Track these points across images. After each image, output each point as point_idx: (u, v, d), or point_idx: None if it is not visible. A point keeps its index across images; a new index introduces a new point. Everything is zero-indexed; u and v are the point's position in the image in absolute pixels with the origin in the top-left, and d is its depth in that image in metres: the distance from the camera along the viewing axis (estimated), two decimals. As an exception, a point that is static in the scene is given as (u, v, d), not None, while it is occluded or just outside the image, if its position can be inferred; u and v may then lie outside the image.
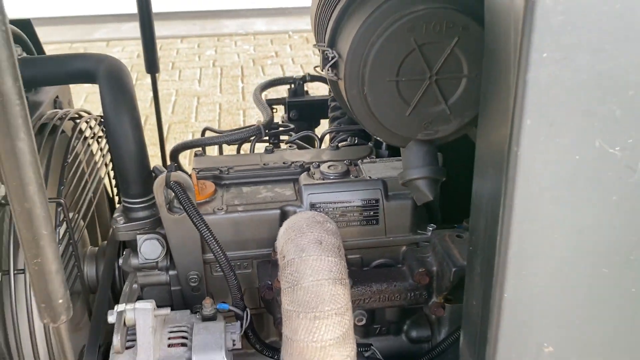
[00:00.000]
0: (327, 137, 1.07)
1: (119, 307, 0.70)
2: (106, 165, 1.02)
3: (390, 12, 0.60)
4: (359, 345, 0.86)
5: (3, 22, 0.42)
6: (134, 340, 0.70)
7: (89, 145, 0.95)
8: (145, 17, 1.17)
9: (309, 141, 1.05)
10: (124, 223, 0.81)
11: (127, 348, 0.71)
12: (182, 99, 3.54)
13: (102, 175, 1.03)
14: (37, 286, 0.51)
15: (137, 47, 4.31)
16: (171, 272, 0.82)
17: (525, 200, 0.49)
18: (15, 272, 0.72)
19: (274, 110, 1.08)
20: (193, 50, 4.31)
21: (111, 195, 1.11)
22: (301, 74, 1.20)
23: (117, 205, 0.88)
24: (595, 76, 0.45)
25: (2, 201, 0.73)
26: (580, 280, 0.53)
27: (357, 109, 0.65)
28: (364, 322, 0.82)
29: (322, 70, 0.68)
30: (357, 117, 0.66)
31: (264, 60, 4.12)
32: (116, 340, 0.68)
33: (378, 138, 0.73)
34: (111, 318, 0.70)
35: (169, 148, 1.24)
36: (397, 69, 0.62)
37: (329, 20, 0.71)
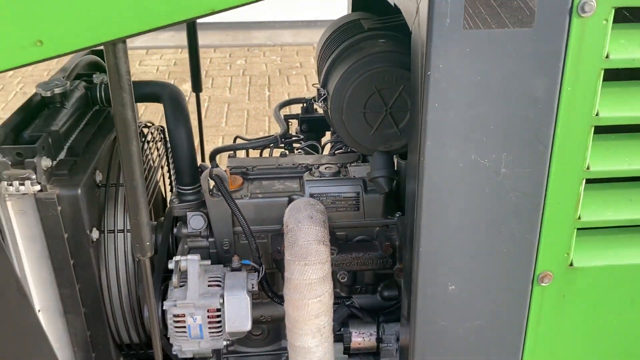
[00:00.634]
0: (328, 146, 1.40)
1: (176, 258, 1.03)
2: (162, 167, 1.36)
3: (360, 68, 0.93)
4: (343, 298, 1.19)
5: (128, 81, 0.75)
6: (185, 281, 1.03)
7: (155, 147, 1.29)
8: (193, 46, 1.50)
9: (314, 149, 1.37)
10: (178, 203, 1.15)
11: (180, 286, 1.05)
12: (213, 105, 3.90)
13: (160, 174, 1.36)
14: (134, 233, 0.84)
15: (174, 55, 4.69)
16: (210, 239, 1.15)
17: (430, 191, 0.80)
18: (108, 230, 1.06)
19: (290, 124, 1.41)
20: (225, 59, 4.67)
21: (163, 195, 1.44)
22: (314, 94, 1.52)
23: (172, 191, 1.22)
24: (468, 117, 0.77)
25: (100, 184, 1.07)
26: (468, 242, 0.84)
27: (339, 130, 0.97)
28: (345, 279, 1.14)
29: (317, 102, 1.01)
30: (339, 134, 0.98)
31: (290, 71, 4.46)
32: (174, 279, 1.02)
33: (353, 149, 1.05)
34: (171, 265, 1.04)
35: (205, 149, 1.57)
36: (364, 104, 0.94)
37: (323, 68, 1.03)
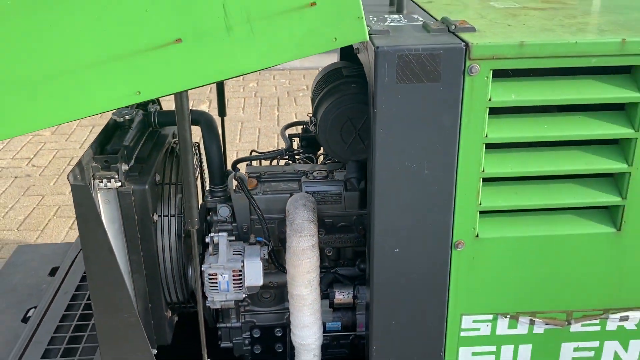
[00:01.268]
0: (321, 158, 1.84)
1: (211, 235, 1.47)
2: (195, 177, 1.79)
3: (338, 104, 1.38)
4: (329, 267, 1.61)
5: (188, 114, 1.19)
6: (217, 251, 1.47)
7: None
8: (220, 82, 1.95)
9: (310, 159, 1.81)
10: (210, 198, 1.59)
11: (213, 254, 1.48)
12: (228, 124, 4.36)
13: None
14: (187, 212, 1.27)
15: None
16: (233, 224, 1.58)
17: (379, 187, 1.24)
18: (164, 215, 1.50)
19: (293, 141, 1.85)
20: (238, 82, 5.15)
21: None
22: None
23: (204, 190, 1.66)
24: (402, 138, 1.20)
25: (158, 183, 1.51)
26: (406, 221, 1.27)
27: (324, 146, 1.42)
28: (331, 254, 1.57)
29: (310, 126, 1.46)
30: (325, 149, 1.42)
31: (297, 93, 4.93)
32: (210, 249, 1.46)
33: (334, 159, 1.50)
34: (207, 240, 1.48)
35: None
36: (340, 128, 1.39)
37: (315, 102, 1.48)
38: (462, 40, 1.16)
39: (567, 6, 1.44)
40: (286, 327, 1.65)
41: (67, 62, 1.04)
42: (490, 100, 1.19)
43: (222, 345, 1.69)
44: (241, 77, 5.27)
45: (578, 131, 1.24)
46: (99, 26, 1.02)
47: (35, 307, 1.83)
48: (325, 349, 1.67)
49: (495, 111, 1.21)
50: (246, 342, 1.69)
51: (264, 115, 4.52)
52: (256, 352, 1.70)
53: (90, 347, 1.64)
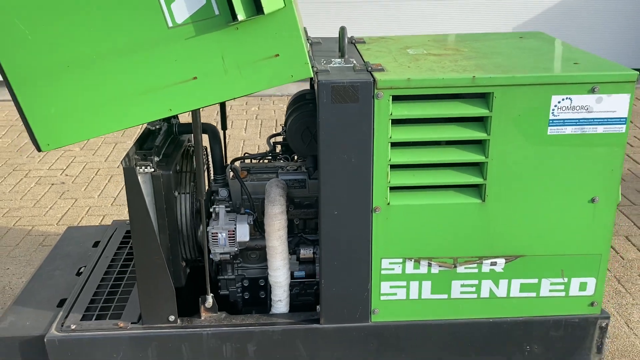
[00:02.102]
0: (295, 157, 2.51)
1: (214, 206, 2.14)
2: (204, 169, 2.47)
3: (299, 117, 2.06)
4: (297, 233, 2.27)
5: (200, 125, 1.87)
6: (218, 217, 2.14)
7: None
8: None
9: (287, 159, 2.48)
10: (214, 183, 2.26)
11: (215, 220, 2.15)
12: (233, 141, 5.05)
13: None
14: (198, 189, 1.95)
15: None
16: (229, 202, 2.25)
17: (323, 176, 1.90)
18: (181, 192, 2.18)
19: (275, 146, 2.52)
20: (242, 107, 5.86)
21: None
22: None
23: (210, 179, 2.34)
24: (336, 142, 1.87)
25: (178, 171, 2.18)
26: (342, 194, 1.93)
27: (291, 145, 2.10)
28: (299, 223, 2.23)
29: (282, 134, 2.14)
30: (292, 148, 2.10)
31: (293, 115, 5.62)
32: (213, 216, 2.12)
33: (297, 155, 2.17)
34: (211, 210, 2.14)
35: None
36: (301, 134, 2.07)
37: (287, 114, 2.16)
38: (373, 77, 1.84)
39: (457, 53, 2.12)
40: (267, 278, 2.30)
41: (127, 90, 1.73)
42: (391, 114, 1.86)
43: (221, 293, 2.35)
44: (245, 102, 5.99)
45: (453, 135, 1.91)
46: (147, 70, 1.71)
47: (84, 266, 2.50)
48: (296, 297, 2.32)
49: (395, 122, 1.88)
50: (238, 290, 2.34)
51: (263, 134, 5.21)
52: (245, 297, 2.35)
53: (125, 291, 2.30)
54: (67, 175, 4.51)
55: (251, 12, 1.64)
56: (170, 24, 1.66)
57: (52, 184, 4.37)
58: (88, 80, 1.70)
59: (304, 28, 2.19)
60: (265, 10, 1.62)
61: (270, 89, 1.77)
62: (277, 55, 1.72)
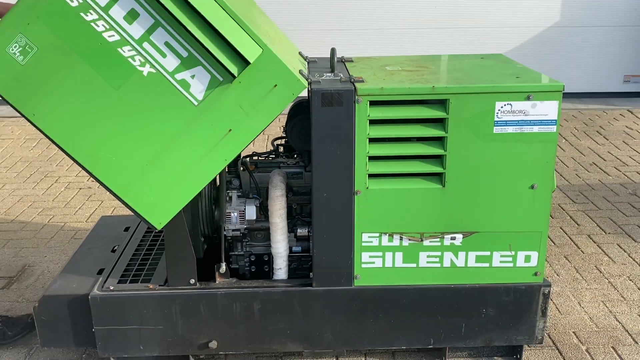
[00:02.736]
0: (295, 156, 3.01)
1: (229, 192, 2.64)
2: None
3: (298, 120, 2.56)
4: (295, 216, 2.75)
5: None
6: (231, 200, 2.63)
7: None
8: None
9: (288, 157, 2.98)
10: (228, 174, 2.76)
11: (228, 202, 2.64)
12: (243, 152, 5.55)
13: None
14: (220, 178, 2.45)
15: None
16: (240, 189, 2.74)
17: (316, 168, 2.40)
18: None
19: (279, 147, 3.03)
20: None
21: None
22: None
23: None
24: (328, 138, 2.37)
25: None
26: (330, 180, 2.42)
27: (290, 142, 2.60)
28: (297, 207, 2.72)
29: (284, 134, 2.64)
30: (291, 144, 2.60)
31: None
32: (228, 199, 2.62)
33: (296, 150, 2.67)
34: (227, 195, 2.64)
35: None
36: (298, 132, 2.57)
37: (287, 118, 2.67)
38: (354, 86, 2.34)
39: (425, 69, 2.63)
40: (270, 254, 2.78)
41: (191, 161, 2.24)
42: (369, 116, 2.36)
43: (231, 267, 2.82)
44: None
45: (418, 133, 2.40)
46: (198, 141, 2.22)
47: (118, 246, 2.99)
48: (294, 271, 2.80)
49: (372, 122, 2.38)
50: (246, 264, 2.82)
51: (269, 147, 5.72)
52: (252, 270, 2.83)
53: (153, 262, 2.79)
54: (92, 181, 5.03)
55: (241, 66, 2.16)
56: (195, 103, 2.20)
57: (80, 189, 4.88)
58: (164, 167, 2.25)
59: (299, 52, 2.73)
60: (251, 60, 2.14)
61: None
62: (276, 85, 2.22)
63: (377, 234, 2.50)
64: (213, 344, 2.59)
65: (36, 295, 3.34)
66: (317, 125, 2.35)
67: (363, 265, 2.54)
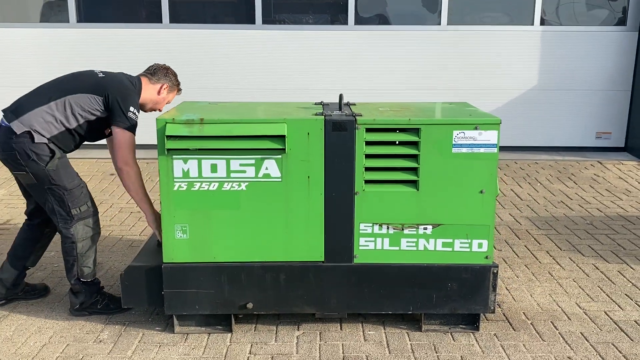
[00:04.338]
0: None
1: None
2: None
3: (315, 142, 3.61)
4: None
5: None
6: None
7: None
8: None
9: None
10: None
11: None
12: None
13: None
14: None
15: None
16: (272, 195, 3.75)
17: (328, 177, 3.42)
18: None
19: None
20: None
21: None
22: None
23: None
24: (336, 155, 3.39)
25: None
26: (337, 183, 3.43)
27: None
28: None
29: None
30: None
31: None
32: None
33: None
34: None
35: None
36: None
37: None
38: (355, 118, 3.38)
39: (407, 110, 3.67)
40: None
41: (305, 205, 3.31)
42: (365, 138, 3.39)
43: (263, 254, 3.78)
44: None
45: (400, 151, 3.42)
46: (301, 189, 3.30)
47: (178, 239, 3.98)
48: (310, 258, 3.76)
49: (367, 143, 3.40)
50: (274, 252, 3.78)
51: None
52: (278, 256, 3.79)
53: (206, 249, 3.77)
54: (141, 207, 6.06)
55: (282, 140, 3.23)
56: (280, 180, 3.38)
57: (132, 212, 5.91)
58: (295, 224, 3.31)
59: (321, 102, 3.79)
60: (284, 133, 3.20)
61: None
62: (308, 133, 3.29)
63: (371, 224, 3.49)
64: (249, 305, 3.53)
65: (109, 282, 4.31)
66: (329, 144, 3.38)
67: (360, 248, 3.51)
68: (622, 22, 7.97)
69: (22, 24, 7.94)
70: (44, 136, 3.33)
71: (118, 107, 3.34)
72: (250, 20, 7.86)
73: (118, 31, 7.82)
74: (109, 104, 3.37)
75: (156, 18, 7.86)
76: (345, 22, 7.90)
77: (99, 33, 7.83)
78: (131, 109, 3.38)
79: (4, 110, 3.43)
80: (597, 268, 4.61)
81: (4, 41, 7.85)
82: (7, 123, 3.35)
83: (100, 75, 3.49)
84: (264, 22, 7.87)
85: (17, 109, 3.36)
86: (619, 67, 8.00)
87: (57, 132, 3.37)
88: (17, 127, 3.30)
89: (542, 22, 7.94)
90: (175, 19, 7.86)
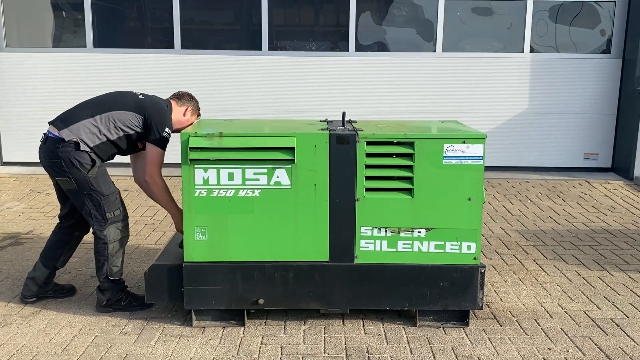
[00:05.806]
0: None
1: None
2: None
3: (320, 155, 4.04)
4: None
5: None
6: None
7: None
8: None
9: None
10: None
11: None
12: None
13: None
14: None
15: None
16: (281, 202, 4.16)
17: (332, 184, 3.83)
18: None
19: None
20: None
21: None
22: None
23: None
24: (340, 165, 3.81)
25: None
26: (341, 191, 3.84)
27: (315, 169, 4.07)
28: (318, 214, 4.12)
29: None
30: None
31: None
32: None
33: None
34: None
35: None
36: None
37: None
38: (356, 132, 3.81)
39: (403, 127, 4.10)
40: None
41: (311, 211, 3.74)
42: (365, 150, 3.81)
43: (273, 256, 4.18)
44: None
45: (397, 162, 3.84)
46: (308, 196, 3.73)
47: (195, 243, 4.38)
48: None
49: (367, 154, 3.82)
50: (283, 254, 4.18)
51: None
52: (287, 258, 4.19)
53: (221, 251, 4.16)
54: (155, 220, 6.46)
55: (291, 152, 3.67)
56: (290, 188, 3.79)
57: (146, 224, 6.31)
58: (304, 228, 3.73)
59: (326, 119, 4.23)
60: (293, 145, 3.65)
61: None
62: (315, 145, 3.72)
63: (371, 228, 3.89)
64: (261, 301, 3.91)
65: (129, 284, 4.69)
66: (334, 156, 3.80)
67: (361, 249, 3.90)
68: (607, 50, 8.47)
69: (42, 48, 8.43)
70: (87, 145, 3.75)
71: (155, 127, 3.80)
72: (257, 46, 8.35)
73: (133, 56, 8.31)
74: (147, 122, 3.81)
75: (168, 44, 8.36)
76: (347, 49, 8.39)
77: (114, 57, 8.31)
78: (166, 129, 3.87)
79: (53, 121, 3.87)
80: (579, 274, 4.99)
81: (26, 64, 8.33)
82: (53, 134, 3.77)
83: (140, 96, 3.95)
84: (270, 48, 8.36)
85: (66, 119, 3.79)
86: (604, 92, 8.47)
87: (100, 142, 3.81)
88: (67, 134, 3.73)
89: (532, 50, 8.44)
90: (185, 45, 8.35)
